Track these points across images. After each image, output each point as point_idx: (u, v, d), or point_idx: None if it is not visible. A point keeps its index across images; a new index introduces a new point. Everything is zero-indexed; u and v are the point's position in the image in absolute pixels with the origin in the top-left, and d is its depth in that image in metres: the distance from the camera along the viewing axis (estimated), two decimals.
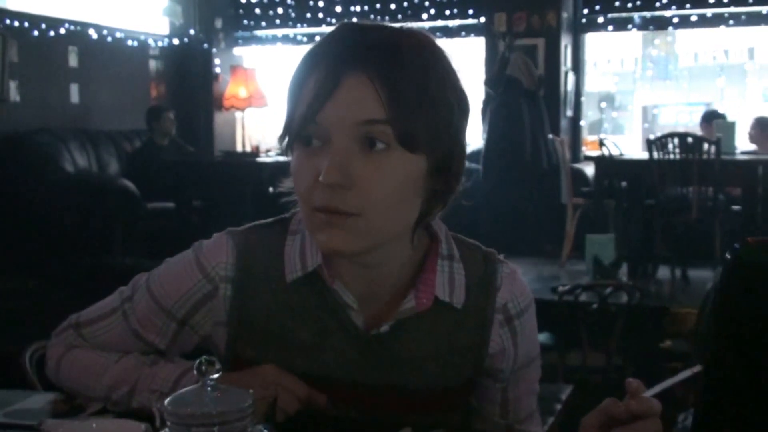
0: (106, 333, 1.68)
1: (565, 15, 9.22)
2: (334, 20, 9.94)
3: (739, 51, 15.64)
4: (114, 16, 9.46)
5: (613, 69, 16.80)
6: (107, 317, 1.68)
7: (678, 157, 7.20)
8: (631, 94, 17.33)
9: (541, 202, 8.91)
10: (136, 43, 9.73)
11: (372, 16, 9.62)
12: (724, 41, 15.20)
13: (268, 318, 1.57)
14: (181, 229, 8.27)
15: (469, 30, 9.81)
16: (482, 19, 9.52)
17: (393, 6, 9.91)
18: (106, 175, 8.71)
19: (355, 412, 1.58)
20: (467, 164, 1.53)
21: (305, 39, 10.39)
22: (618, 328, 5.26)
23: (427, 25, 9.60)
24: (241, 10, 10.72)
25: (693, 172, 7.15)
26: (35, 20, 8.44)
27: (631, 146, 11.08)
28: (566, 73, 9.37)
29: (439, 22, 9.80)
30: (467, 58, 9.77)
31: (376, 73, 1.37)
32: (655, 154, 7.27)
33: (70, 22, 8.82)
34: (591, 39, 10.13)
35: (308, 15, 10.35)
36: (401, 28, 1.45)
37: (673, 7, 9.17)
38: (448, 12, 9.84)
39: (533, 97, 8.83)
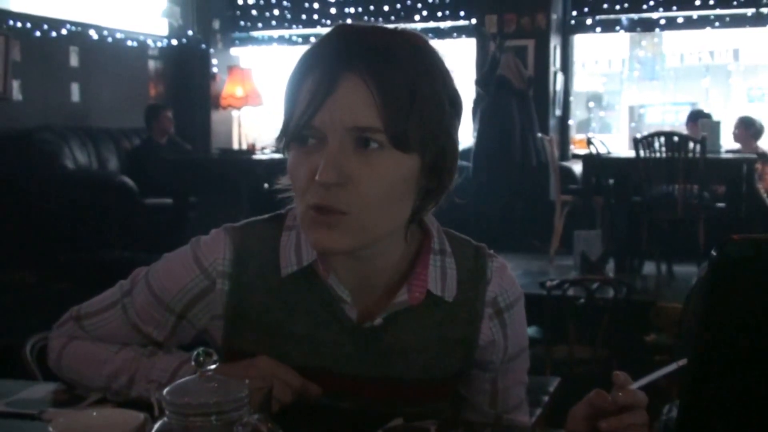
0: (106, 325, 1.69)
1: (554, 17, 9.27)
2: (328, 22, 9.94)
3: (724, 52, 15.61)
4: (114, 18, 9.41)
5: (601, 69, 16.74)
6: (107, 310, 1.70)
7: (664, 155, 7.25)
8: (619, 94, 17.09)
9: (530, 198, 8.97)
10: (135, 44, 9.70)
11: (365, 18, 9.70)
12: (710, 43, 15.17)
13: (264, 311, 1.59)
14: (179, 224, 8.22)
15: (460, 31, 9.83)
16: (473, 21, 9.56)
17: (386, 7, 9.91)
18: (106, 171, 8.69)
19: (349, 403, 1.60)
20: (458, 162, 1.54)
21: (300, 40, 10.39)
22: (605, 322, 5.25)
23: (419, 26, 9.61)
24: (238, 12, 10.71)
25: (678, 170, 7.20)
26: (37, 21, 8.41)
27: (618, 145, 11.02)
28: (555, 74, 9.41)
29: (431, 24, 9.81)
30: (458, 58, 9.74)
31: (370, 76, 1.38)
32: (642, 153, 7.31)
33: (72, 23, 8.80)
34: (579, 40, 10.13)
35: (303, 16, 10.36)
36: (395, 30, 1.47)
37: (660, 9, 9.21)
38: (440, 13, 9.85)
39: (523, 96, 8.87)
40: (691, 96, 15.42)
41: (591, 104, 16.20)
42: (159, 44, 10.18)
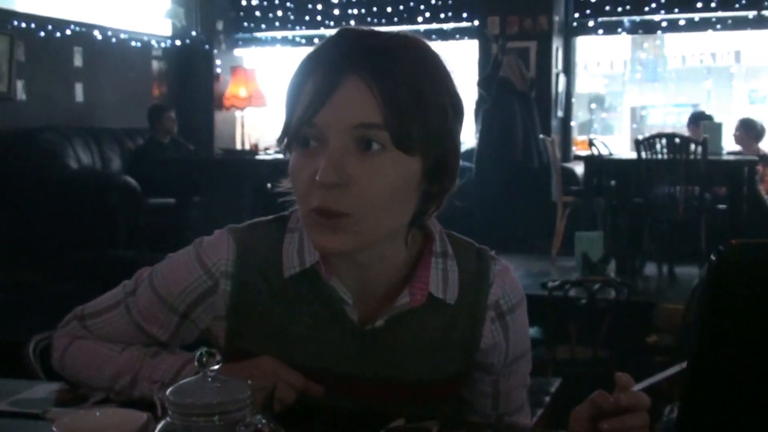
0: (110, 325, 1.69)
1: (556, 18, 9.27)
2: (332, 23, 10.01)
3: (725, 54, 15.50)
4: (118, 18, 9.43)
5: (603, 71, 16.63)
6: (111, 310, 1.69)
7: (665, 157, 7.26)
8: (621, 95, 17.01)
9: (532, 200, 8.96)
10: (139, 44, 9.71)
11: (369, 19, 9.69)
12: (712, 45, 15.06)
13: (267, 312, 1.58)
14: (182, 224, 8.24)
15: (463, 33, 9.81)
16: (476, 23, 9.57)
17: (389, 9, 9.91)
18: (109, 171, 8.70)
19: (350, 404, 1.59)
20: (461, 163, 1.54)
21: (303, 41, 10.39)
22: (606, 323, 5.27)
23: (422, 27, 9.65)
24: (241, 13, 10.69)
25: (680, 172, 7.21)
26: (42, 21, 8.43)
27: (619, 146, 10.97)
28: (557, 75, 9.41)
29: (434, 25, 9.80)
30: (461, 60, 9.81)
31: (373, 77, 1.38)
32: (644, 154, 7.32)
33: (76, 24, 8.82)
34: (582, 42, 10.14)
35: (307, 18, 10.35)
36: (398, 34, 1.47)
37: (662, 11, 9.20)
38: (442, 15, 9.83)
39: (525, 98, 8.89)
40: (693, 98, 15.31)
41: (593, 106, 16.15)
42: (163, 45, 10.19)
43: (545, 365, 5.21)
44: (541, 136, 8.89)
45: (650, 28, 9.68)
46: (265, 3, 10.58)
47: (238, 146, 10.45)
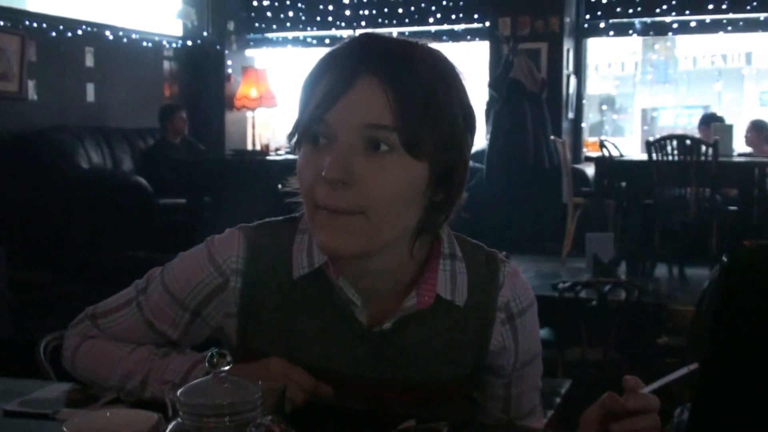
0: (121, 324, 1.70)
1: (567, 20, 9.27)
2: (343, 24, 10.03)
3: (736, 56, 15.53)
4: (129, 18, 9.45)
5: (614, 73, 16.66)
6: (122, 308, 1.70)
7: (676, 158, 7.25)
8: (631, 97, 16.98)
9: (543, 201, 8.97)
10: (150, 45, 9.73)
11: (380, 20, 9.71)
12: (723, 46, 15.10)
13: (276, 312, 1.59)
14: (193, 224, 8.18)
15: (474, 34, 9.80)
16: (487, 24, 9.57)
17: (400, 10, 9.88)
18: (120, 171, 8.71)
19: (360, 405, 1.59)
20: (471, 164, 1.54)
21: (315, 41, 10.40)
22: (616, 325, 5.27)
23: (433, 29, 9.67)
24: (253, 13, 10.70)
25: (691, 174, 7.20)
26: (53, 21, 8.45)
27: (630, 148, 10.96)
28: (568, 77, 9.41)
29: (445, 26, 9.79)
30: (472, 61, 9.75)
31: (387, 79, 1.39)
32: (654, 156, 7.31)
33: (87, 24, 8.84)
34: (593, 43, 10.13)
35: (318, 18, 10.35)
36: (415, 42, 1.48)
37: (673, 13, 9.18)
38: (453, 16, 9.82)
39: (536, 99, 8.89)
40: (704, 99, 15.29)
41: (604, 107, 16.12)
42: (174, 45, 10.21)
43: (555, 366, 5.22)
44: (552, 137, 8.90)
45: (661, 29, 9.66)
46: (276, 3, 10.59)
47: (249, 147, 10.46)
